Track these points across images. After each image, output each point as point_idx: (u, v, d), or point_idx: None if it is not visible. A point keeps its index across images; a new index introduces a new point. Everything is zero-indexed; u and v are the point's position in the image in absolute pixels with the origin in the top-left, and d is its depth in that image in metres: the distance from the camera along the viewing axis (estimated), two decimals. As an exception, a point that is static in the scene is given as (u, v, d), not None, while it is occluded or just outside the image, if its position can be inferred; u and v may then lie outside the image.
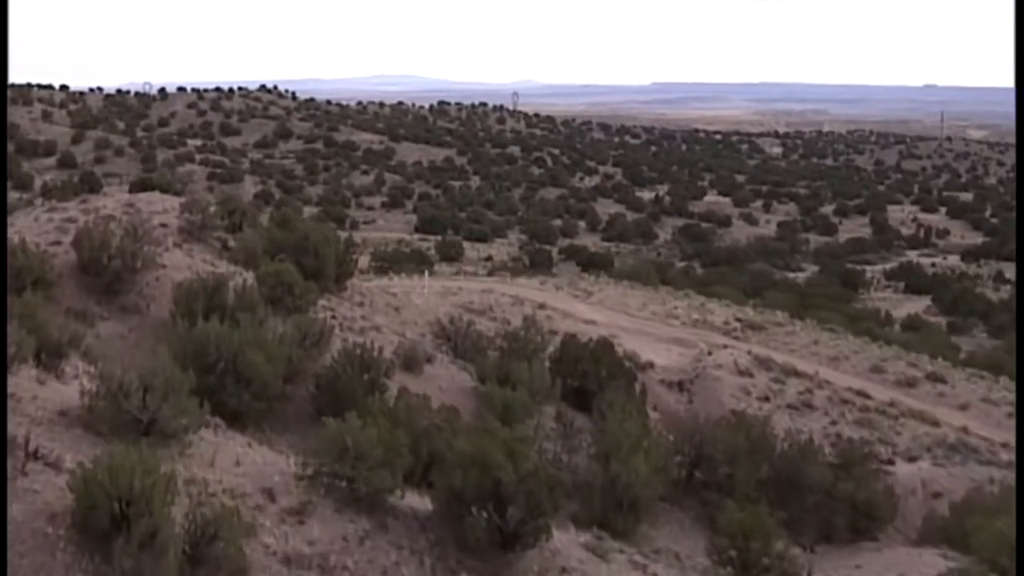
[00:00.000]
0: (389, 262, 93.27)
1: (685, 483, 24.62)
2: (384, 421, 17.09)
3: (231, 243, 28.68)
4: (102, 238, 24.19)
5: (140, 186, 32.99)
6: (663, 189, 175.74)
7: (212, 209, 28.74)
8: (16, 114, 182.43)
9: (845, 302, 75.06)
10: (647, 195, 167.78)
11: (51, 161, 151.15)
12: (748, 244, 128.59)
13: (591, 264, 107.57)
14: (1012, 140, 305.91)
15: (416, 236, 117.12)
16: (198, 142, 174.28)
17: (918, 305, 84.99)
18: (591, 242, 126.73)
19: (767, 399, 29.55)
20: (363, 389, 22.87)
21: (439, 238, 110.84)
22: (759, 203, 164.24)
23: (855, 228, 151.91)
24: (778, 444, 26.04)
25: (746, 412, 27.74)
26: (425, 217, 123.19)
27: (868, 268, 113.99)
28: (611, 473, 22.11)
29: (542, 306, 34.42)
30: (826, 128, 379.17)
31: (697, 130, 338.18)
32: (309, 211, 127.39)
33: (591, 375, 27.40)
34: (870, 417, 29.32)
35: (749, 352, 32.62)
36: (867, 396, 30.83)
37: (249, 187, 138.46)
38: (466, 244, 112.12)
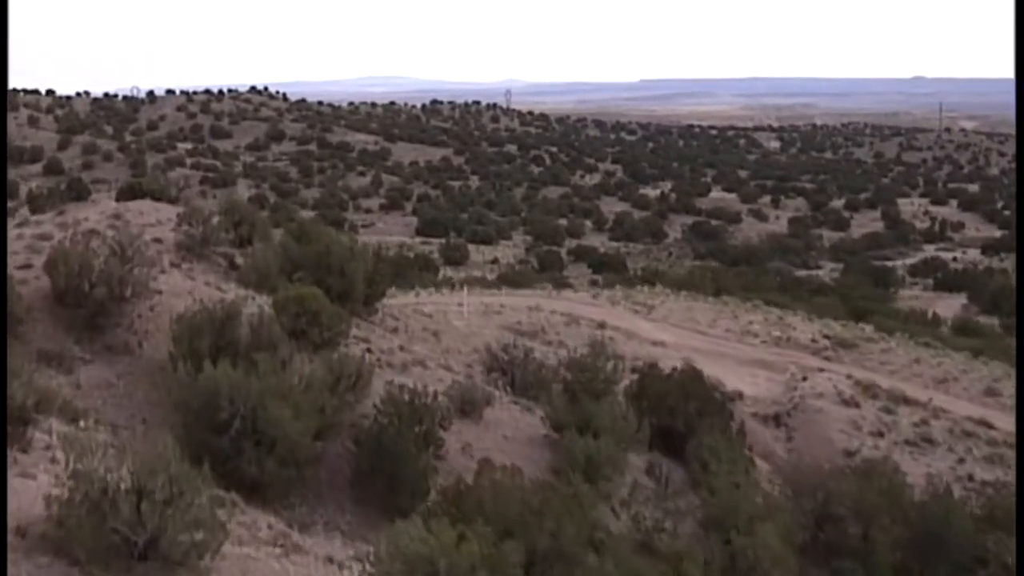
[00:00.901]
0: (395, 269, 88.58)
1: (811, 548, 19.87)
2: (468, 517, 12.29)
3: (239, 260, 23.84)
4: (82, 259, 19.33)
5: (129, 192, 28.01)
6: (667, 186, 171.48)
7: (215, 220, 23.86)
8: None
9: (883, 302, 70.28)
10: (651, 192, 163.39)
11: (37, 168, 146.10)
12: (761, 241, 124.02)
13: (603, 266, 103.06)
14: (1005, 130, 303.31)
15: (418, 239, 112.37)
16: (189, 145, 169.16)
17: (953, 304, 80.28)
18: (599, 242, 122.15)
19: (880, 434, 24.81)
20: (415, 445, 18.13)
21: (442, 241, 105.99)
22: (767, 199, 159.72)
23: (867, 223, 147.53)
24: (914, 494, 21.35)
25: (862, 453, 22.92)
26: (426, 219, 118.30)
27: (889, 264, 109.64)
28: (733, 547, 17.40)
29: (601, 325, 29.59)
30: (818, 122, 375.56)
31: (692, 125, 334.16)
32: (306, 215, 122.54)
33: (679, 413, 22.62)
34: (1000, 452, 24.63)
35: (849, 376, 27.91)
36: (990, 426, 26.14)
37: (243, 191, 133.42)
38: (470, 247, 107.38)
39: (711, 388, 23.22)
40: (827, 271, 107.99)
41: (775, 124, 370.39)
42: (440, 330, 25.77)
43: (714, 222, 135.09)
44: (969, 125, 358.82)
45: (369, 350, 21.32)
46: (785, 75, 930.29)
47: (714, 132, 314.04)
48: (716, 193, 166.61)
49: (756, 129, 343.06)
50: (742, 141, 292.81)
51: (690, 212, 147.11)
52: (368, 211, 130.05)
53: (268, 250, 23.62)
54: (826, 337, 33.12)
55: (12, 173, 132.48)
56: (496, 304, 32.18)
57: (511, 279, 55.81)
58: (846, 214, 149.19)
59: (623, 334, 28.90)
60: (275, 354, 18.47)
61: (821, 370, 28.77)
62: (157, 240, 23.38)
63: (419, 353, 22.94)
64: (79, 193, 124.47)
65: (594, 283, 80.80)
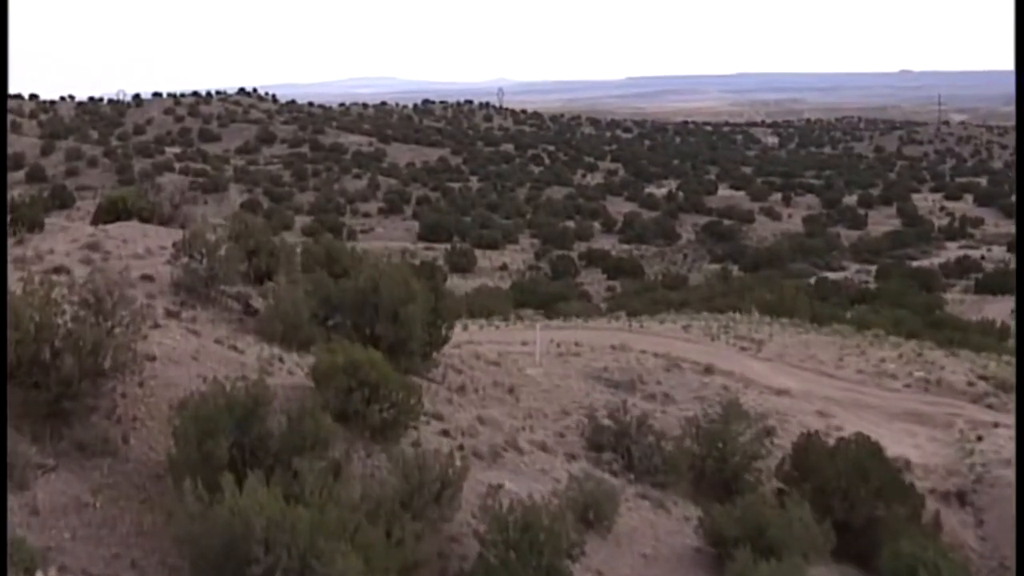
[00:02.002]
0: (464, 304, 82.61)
1: None
2: None
3: (258, 303, 17.85)
4: (43, 319, 13.30)
5: (110, 211, 21.92)
6: (671, 184, 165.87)
7: (224, 248, 17.81)
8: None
9: (930, 311, 64.24)
10: (657, 191, 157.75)
11: (20, 175, 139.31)
12: (779, 241, 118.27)
13: (619, 271, 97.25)
14: (995, 123, 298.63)
15: (421, 245, 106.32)
16: (177, 149, 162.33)
17: (1002, 308, 74.52)
18: (609, 245, 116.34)
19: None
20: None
21: (447, 247, 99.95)
22: (777, 196, 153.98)
23: (883, 220, 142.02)
24: None
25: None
26: (428, 223, 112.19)
27: (915, 264, 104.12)
28: None
29: (708, 369, 23.57)
30: (809, 116, 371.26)
31: (687, 122, 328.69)
32: (301, 220, 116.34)
33: (857, 502, 16.73)
34: None
35: (1034, 433, 22.02)
36: None
37: (235, 196, 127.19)
38: (476, 252, 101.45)
39: (893, 465, 17.29)
40: (853, 272, 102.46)
41: (766, 119, 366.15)
42: (515, 384, 19.86)
43: (727, 222, 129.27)
44: (959, 118, 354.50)
45: (446, 431, 15.35)
46: (772, 71, 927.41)
47: (709, 128, 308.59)
48: (724, 191, 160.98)
49: (751, 124, 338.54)
50: (739, 137, 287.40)
51: (700, 211, 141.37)
52: (366, 215, 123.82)
53: (295, 288, 17.58)
54: (983, 378, 27.13)
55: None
56: (569, 342, 26.07)
57: (574, 311, 49.29)
58: (861, 211, 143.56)
59: (738, 380, 22.95)
60: (323, 456, 12.54)
61: (995, 425, 22.85)
62: (147, 278, 17.38)
63: (503, 424, 16.95)
64: (63, 201, 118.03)
65: (653, 305, 75.17)
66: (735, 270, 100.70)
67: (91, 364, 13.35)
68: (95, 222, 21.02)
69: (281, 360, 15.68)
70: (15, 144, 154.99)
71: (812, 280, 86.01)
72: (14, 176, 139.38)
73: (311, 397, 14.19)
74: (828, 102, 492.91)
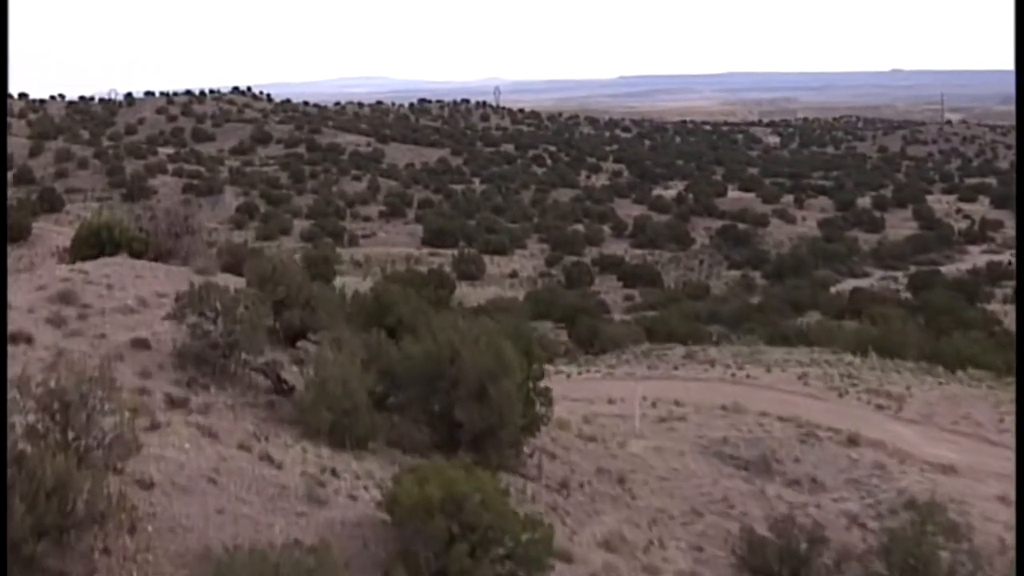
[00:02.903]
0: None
1: None
2: None
3: (291, 374, 12.98)
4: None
5: (91, 241, 16.97)
6: (678, 186, 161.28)
7: (246, 303, 12.91)
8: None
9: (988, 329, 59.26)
10: (666, 193, 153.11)
11: (7, 177, 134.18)
12: (798, 246, 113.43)
13: (635, 278, 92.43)
14: (992, 122, 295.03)
15: (426, 250, 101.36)
16: (170, 150, 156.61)
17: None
18: (621, 250, 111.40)
19: None
20: None
21: (454, 253, 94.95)
22: (789, 199, 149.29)
23: (900, 223, 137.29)
24: None
25: None
26: (433, 228, 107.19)
27: (942, 270, 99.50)
28: None
29: (851, 439, 18.58)
30: (803, 115, 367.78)
31: (685, 121, 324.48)
32: (300, 225, 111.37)
33: None
34: None
35: None
36: None
37: (230, 199, 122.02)
38: (484, 258, 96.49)
39: None
40: (878, 279, 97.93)
41: (761, 119, 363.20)
42: (624, 471, 15.09)
43: (741, 225, 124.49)
44: (955, 117, 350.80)
45: (568, 557, 10.52)
46: (763, 70, 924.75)
47: (708, 128, 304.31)
48: (733, 193, 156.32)
49: (750, 124, 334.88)
50: (739, 137, 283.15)
51: (712, 214, 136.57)
52: (367, 219, 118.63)
53: (343, 356, 12.69)
54: None
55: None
56: (667, 400, 21.11)
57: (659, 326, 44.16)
58: (876, 214, 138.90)
59: (891, 454, 18.01)
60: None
61: None
62: (140, 344, 12.48)
63: (635, 545, 12.08)
64: (52, 204, 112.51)
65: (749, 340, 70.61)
66: (757, 277, 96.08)
67: (54, 511, 8.52)
68: (72, 257, 16.15)
69: (335, 474, 10.85)
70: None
71: (837, 288, 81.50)
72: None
73: (389, 546, 9.36)
74: (821, 101, 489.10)
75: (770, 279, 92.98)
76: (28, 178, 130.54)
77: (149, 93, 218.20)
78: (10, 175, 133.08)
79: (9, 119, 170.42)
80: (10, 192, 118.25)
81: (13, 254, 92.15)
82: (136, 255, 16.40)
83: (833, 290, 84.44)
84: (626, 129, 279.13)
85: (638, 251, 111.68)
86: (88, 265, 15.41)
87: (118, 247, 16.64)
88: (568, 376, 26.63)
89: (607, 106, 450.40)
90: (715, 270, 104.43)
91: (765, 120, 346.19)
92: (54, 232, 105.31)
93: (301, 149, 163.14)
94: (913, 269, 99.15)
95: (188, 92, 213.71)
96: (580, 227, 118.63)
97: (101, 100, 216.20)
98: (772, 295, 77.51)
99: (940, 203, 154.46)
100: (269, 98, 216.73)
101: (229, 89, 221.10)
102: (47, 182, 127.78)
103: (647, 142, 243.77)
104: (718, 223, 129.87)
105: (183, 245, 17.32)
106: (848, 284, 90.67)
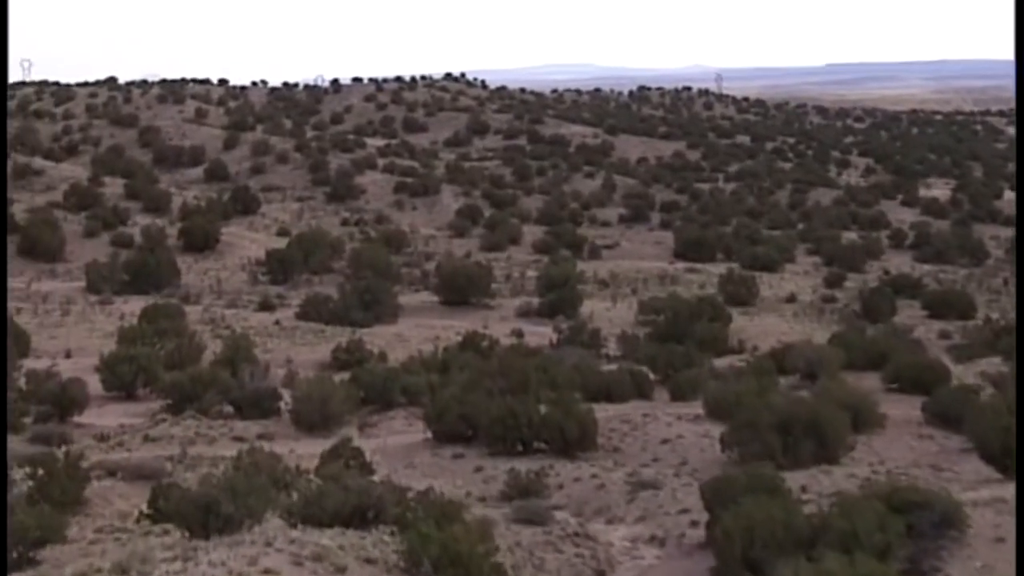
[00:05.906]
0: (674, 323, 62.77)
1: None
2: None
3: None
4: None
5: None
6: (939, 184, 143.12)
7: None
8: (165, 114, 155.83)
9: None
10: (931, 193, 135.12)
11: (198, 172, 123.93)
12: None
13: (942, 306, 75.98)
14: None
15: (680, 266, 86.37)
16: (380, 142, 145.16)
17: None
18: (907, 265, 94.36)
19: None
20: None
21: (721, 272, 79.55)
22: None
23: None
24: None
25: None
26: (687, 238, 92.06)
27: None
28: None
29: None
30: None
31: (915, 110, 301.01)
32: (530, 231, 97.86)
33: None
34: None
35: None
36: None
37: (448, 200, 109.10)
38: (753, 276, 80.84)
39: None
40: None
41: (972, 108, 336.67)
42: None
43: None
44: None
45: None
46: (975, 57, 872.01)
47: (940, 117, 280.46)
48: (1009, 194, 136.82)
49: (986, 114, 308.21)
50: (977, 127, 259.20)
51: (995, 220, 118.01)
52: (606, 224, 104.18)
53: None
54: None
55: (165, 180, 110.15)
56: None
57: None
58: None
59: None
60: None
61: None
62: None
63: None
64: (246, 205, 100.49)
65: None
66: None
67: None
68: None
69: None
70: (194, 135, 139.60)
71: None
72: (192, 173, 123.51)
73: None
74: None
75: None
76: (221, 174, 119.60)
77: (357, 79, 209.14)
78: (200, 170, 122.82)
79: (207, 106, 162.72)
80: (201, 189, 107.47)
81: (197, 266, 79.96)
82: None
83: None
84: (859, 119, 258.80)
85: (926, 267, 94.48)
86: None
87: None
88: None
89: (816, 94, 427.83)
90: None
91: (979, 109, 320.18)
92: (246, 240, 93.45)
93: (522, 141, 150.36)
94: None
95: (398, 78, 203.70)
96: (852, 235, 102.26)
97: (306, 87, 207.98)
98: None
99: None
100: (484, 85, 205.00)
101: (441, 75, 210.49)
102: (242, 179, 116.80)
103: (883, 133, 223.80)
104: (1005, 231, 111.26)
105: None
106: None
